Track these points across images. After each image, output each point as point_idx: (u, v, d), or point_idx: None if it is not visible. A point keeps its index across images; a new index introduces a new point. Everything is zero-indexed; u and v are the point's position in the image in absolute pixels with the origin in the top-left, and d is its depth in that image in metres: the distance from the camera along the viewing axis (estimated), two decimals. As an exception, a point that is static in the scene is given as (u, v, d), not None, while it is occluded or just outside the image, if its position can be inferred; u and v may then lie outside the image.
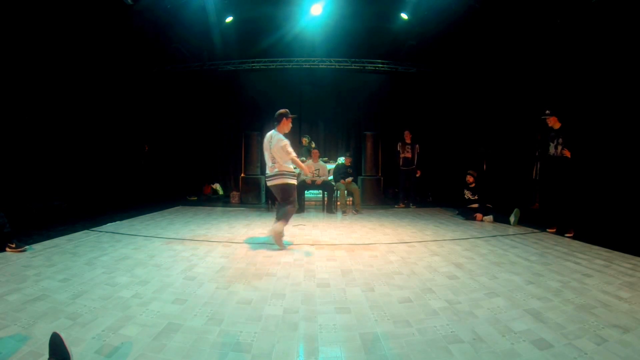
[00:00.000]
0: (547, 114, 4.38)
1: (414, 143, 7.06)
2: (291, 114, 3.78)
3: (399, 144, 7.15)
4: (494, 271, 2.81)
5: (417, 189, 7.55)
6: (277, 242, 3.57)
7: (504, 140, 7.12)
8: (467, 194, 5.82)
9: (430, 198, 8.46)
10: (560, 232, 4.29)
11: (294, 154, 3.65)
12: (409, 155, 7.03)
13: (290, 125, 3.76)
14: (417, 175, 7.00)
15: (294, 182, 3.70)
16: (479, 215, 5.38)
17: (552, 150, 4.36)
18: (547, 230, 4.50)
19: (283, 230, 3.65)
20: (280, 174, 3.59)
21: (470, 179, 5.79)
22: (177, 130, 8.99)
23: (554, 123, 4.36)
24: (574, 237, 4.06)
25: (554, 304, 2.13)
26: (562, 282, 2.54)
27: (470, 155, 7.91)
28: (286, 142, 3.61)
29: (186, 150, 9.09)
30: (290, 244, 3.78)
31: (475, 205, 5.58)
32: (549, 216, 4.56)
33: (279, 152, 3.57)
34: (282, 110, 3.74)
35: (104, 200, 6.67)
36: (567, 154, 4.16)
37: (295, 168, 3.74)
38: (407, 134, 7.09)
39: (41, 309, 1.96)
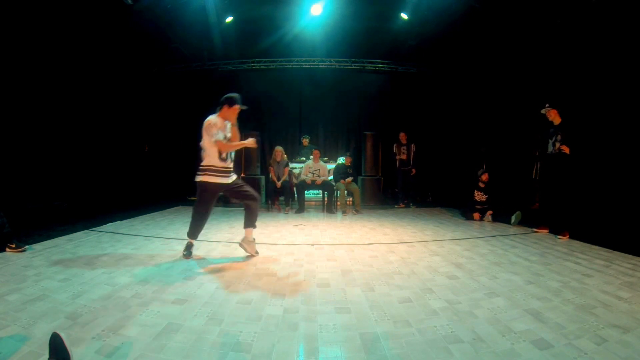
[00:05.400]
0: (547, 107, 4.23)
1: (409, 143, 7.06)
2: (240, 104, 3.02)
3: (395, 145, 7.16)
4: (494, 271, 2.81)
5: (417, 189, 7.55)
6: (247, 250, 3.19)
7: (505, 140, 7.12)
8: (477, 195, 5.61)
9: (430, 198, 8.46)
10: (554, 233, 4.20)
11: (218, 137, 2.91)
12: (404, 157, 7.04)
13: (233, 115, 3.03)
14: (412, 173, 7.00)
15: (213, 180, 2.96)
16: (487, 214, 5.35)
17: (550, 148, 4.22)
18: (535, 230, 4.42)
19: (251, 235, 3.21)
20: (198, 170, 3.02)
21: (485, 177, 5.59)
22: (177, 130, 8.99)
23: (554, 117, 4.20)
24: (569, 239, 3.98)
25: (554, 304, 2.13)
26: (562, 282, 2.53)
27: (471, 155, 7.91)
28: (210, 120, 2.91)
29: (186, 150, 9.08)
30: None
31: (482, 207, 5.54)
32: (544, 216, 4.47)
33: (204, 137, 2.93)
34: (227, 95, 3.03)
35: (104, 200, 6.67)
36: (566, 149, 3.97)
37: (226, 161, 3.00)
38: (402, 136, 7.10)
39: (41, 309, 1.96)
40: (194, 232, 3.15)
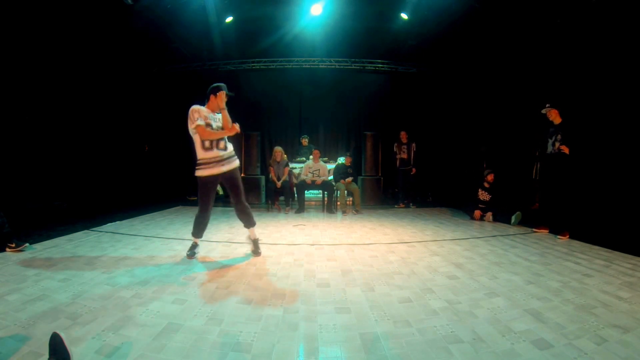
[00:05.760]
0: (548, 107, 4.22)
1: (410, 142, 7.05)
2: (225, 90, 2.98)
3: (395, 144, 7.15)
4: (494, 271, 2.81)
5: (417, 189, 7.54)
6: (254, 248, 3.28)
7: (505, 140, 7.12)
8: (481, 195, 5.57)
9: (430, 198, 8.46)
10: (554, 233, 4.19)
11: (198, 122, 2.84)
12: (405, 156, 7.04)
13: (221, 102, 2.94)
14: (412, 173, 7.00)
15: (202, 173, 2.95)
16: (488, 215, 5.35)
17: (549, 148, 4.21)
18: (535, 230, 4.40)
19: (253, 234, 3.29)
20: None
21: (491, 177, 5.56)
22: (178, 130, 8.98)
23: (554, 117, 4.19)
24: (569, 239, 3.97)
25: (554, 304, 2.13)
26: (562, 282, 2.53)
27: (471, 154, 7.90)
28: (194, 107, 2.88)
29: (186, 150, 9.08)
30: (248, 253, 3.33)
31: (485, 206, 5.53)
32: (544, 216, 4.45)
33: (188, 126, 2.88)
34: (212, 85, 3.01)
35: (104, 200, 6.67)
36: (565, 150, 3.96)
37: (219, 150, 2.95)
38: (403, 135, 7.09)
39: (41, 309, 1.96)
40: (196, 231, 3.17)
